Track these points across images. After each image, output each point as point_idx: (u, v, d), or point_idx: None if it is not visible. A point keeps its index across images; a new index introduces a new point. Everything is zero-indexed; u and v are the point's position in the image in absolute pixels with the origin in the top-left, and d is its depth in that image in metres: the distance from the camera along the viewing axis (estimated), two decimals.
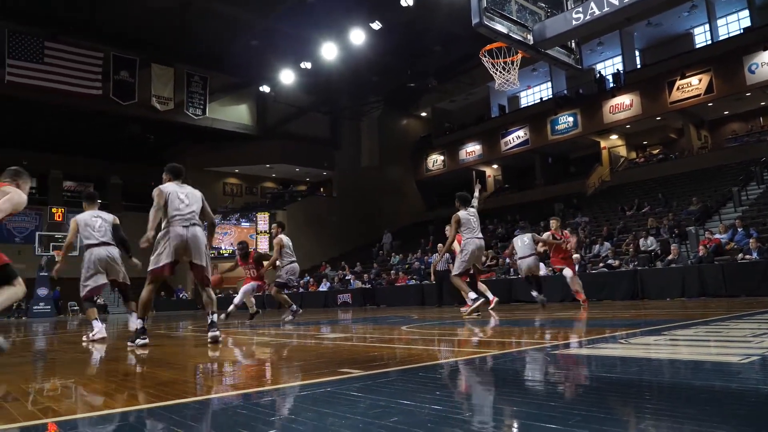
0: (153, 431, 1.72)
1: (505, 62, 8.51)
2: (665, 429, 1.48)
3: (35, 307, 22.13)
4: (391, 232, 28.04)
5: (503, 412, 1.75)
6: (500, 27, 5.63)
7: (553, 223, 9.68)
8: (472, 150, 30.27)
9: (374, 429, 1.49)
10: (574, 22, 5.35)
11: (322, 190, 35.27)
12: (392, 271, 20.48)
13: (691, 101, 21.48)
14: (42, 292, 22.59)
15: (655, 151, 25.60)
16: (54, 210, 26.59)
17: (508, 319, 6.74)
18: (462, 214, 7.39)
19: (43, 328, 11.31)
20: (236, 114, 29.50)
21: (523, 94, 32.03)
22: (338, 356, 3.58)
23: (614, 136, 26.00)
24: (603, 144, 26.04)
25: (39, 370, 3.86)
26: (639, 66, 25.42)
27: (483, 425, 1.55)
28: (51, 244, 23.61)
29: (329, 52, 22.63)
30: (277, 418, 1.75)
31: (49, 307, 22.53)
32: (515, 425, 1.60)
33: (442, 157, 32.33)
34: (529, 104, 30.82)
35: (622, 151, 26.55)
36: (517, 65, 8.76)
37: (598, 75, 26.25)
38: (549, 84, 29.32)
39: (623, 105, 23.48)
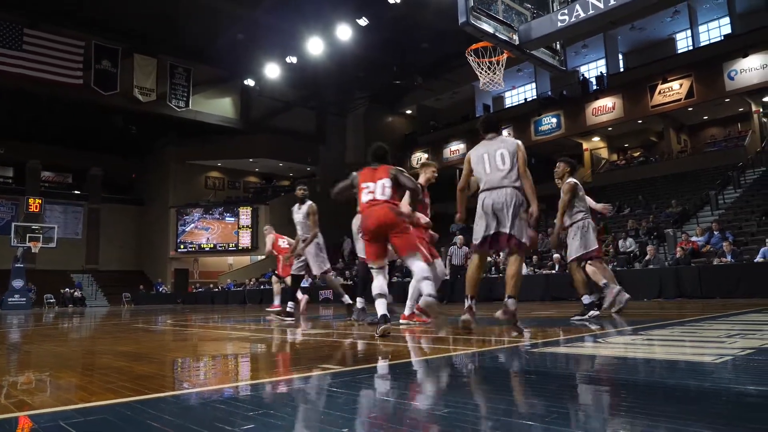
0: (130, 425, 1.71)
1: (490, 62, 8.54)
2: (640, 426, 1.50)
3: (10, 299, 21.72)
4: (351, 238, 27.60)
5: (483, 408, 1.76)
6: (486, 26, 5.66)
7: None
8: (456, 148, 30.36)
9: (355, 424, 1.49)
10: (559, 24, 5.39)
11: None
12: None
13: (672, 105, 21.79)
14: (17, 284, 22.19)
15: (636, 154, 25.93)
16: (31, 201, 26.20)
17: (487, 317, 6.78)
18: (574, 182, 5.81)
19: (18, 320, 11.13)
20: (220, 107, 29.26)
21: (507, 94, 32.22)
22: (318, 353, 3.58)
23: (596, 138, 26.28)
24: (585, 146, 26.31)
25: (12, 363, 3.80)
26: (622, 69, 25.72)
27: (463, 421, 1.56)
28: (27, 235, 23.21)
29: (315, 47, 22.54)
30: (255, 413, 1.75)
31: (24, 299, 22.14)
32: (494, 421, 1.61)
33: (426, 156, 32.37)
34: (514, 104, 31.01)
35: (604, 153, 26.85)
36: (502, 65, 8.80)
37: (582, 77, 26.52)
38: (533, 85, 29.53)
39: (606, 107, 23.73)
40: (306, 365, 2.92)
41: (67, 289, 27.92)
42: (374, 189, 4.66)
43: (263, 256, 30.41)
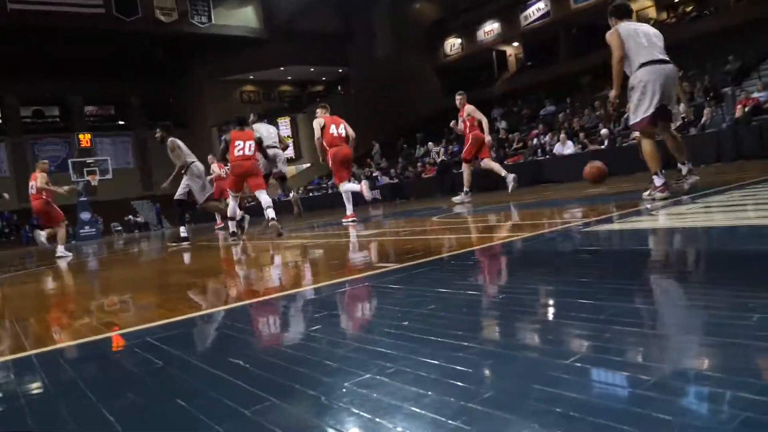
0: (215, 327, 1.85)
1: None
2: (699, 295, 1.51)
3: (81, 231, 23.04)
4: (379, 142, 26.70)
5: (535, 291, 1.81)
6: None
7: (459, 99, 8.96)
8: (490, 29, 28.84)
9: (412, 317, 1.56)
10: None
11: (339, 88, 34.54)
12: (418, 164, 20.43)
13: None
14: (85, 216, 23.40)
15: (689, 9, 23.95)
16: (81, 136, 26.88)
17: (539, 201, 6.77)
18: (624, 27, 4.47)
19: (93, 249, 11.87)
20: (243, 18, 28.49)
21: None
22: (372, 252, 3.69)
23: None
24: (632, 7, 24.45)
25: (97, 287, 4.11)
26: None
27: (516, 305, 1.61)
28: (84, 169, 24.10)
29: None
30: (323, 313, 1.85)
31: (94, 230, 23.43)
32: (547, 302, 1.66)
33: (459, 40, 30.96)
34: None
35: (651, 12, 24.92)
36: None
37: None
38: None
39: None
40: (364, 265, 3.03)
41: (130, 216, 29.34)
42: (244, 147, 6.73)
43: (308, 164, 30.78)
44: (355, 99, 31.35)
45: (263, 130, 8.06)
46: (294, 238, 6.29)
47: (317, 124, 7.67)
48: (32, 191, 9.45)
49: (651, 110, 4.17)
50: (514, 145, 17.59)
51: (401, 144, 26.98)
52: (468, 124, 8.83)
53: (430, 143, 21.20)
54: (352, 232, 6.00)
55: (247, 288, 2.91)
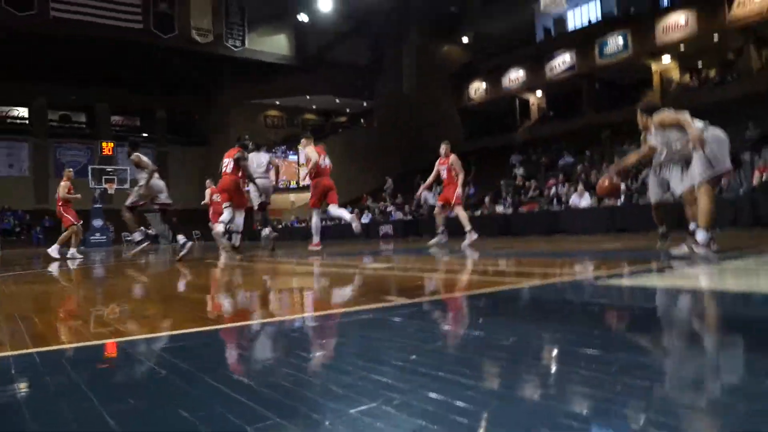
0: (214, 348, 1.85)
1: None
2: (705, 357, 1.49)
3: (92, 238, 23.25)
4: (392, 178, 27.02)
5: (545, 338, 1.79)
6: None
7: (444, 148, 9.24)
8: (515, 77, 29.23)
9: (420, 352, 1.56)
10: None
11: (362, 121, 35.01)
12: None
13: (753, 18, 19.97)
14: (97, 223, 23.64)
15: (711, 74, 24.16)
16: (104, 144, 27.41)
17: (552, 251, 6.75)
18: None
19: (101, 257, 11.95)
20: (275, 44, 29.19)
21: (569, 15, 30.38)
22: (382, 285, 3.69)
23: (667, 59, 24.59)
24: (654, 68, 24.71)
25: (110, 295, 4.13)
26: None
27: (524, 350, 1.60)
28: (103, 177, 24.46)
29: None
30: (328, 340, 1.85)
31: (105, 237, 23.64)
32: (556, 349, 1.64)
33: (484, 85, 31.39)
34: (576, 27, 29.29)
35: (675, 74, 25.16)
36: None
37: None
38: (597, 3, 27.68)
39: (677, 24, 22.06)
40: (373, 297, 3.03)
41: (142, 228, 29.53)
42: (227, 164, 7.70)
43: None
44: (377, 133, 31.74)
45: (254, 160, 8.63)
46: (302, 265, 6.30)
47: (312, 151, 8.47)
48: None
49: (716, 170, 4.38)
50: (531, 193, 17.62)
51: (418, 181, 27.10)
52: (451, 174, 9.11)
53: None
54: (354, 262, 6.00)
55: (255, 309, 2.91)
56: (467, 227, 8.79)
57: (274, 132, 33.36)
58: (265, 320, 2.38)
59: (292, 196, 32.58)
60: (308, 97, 32.56)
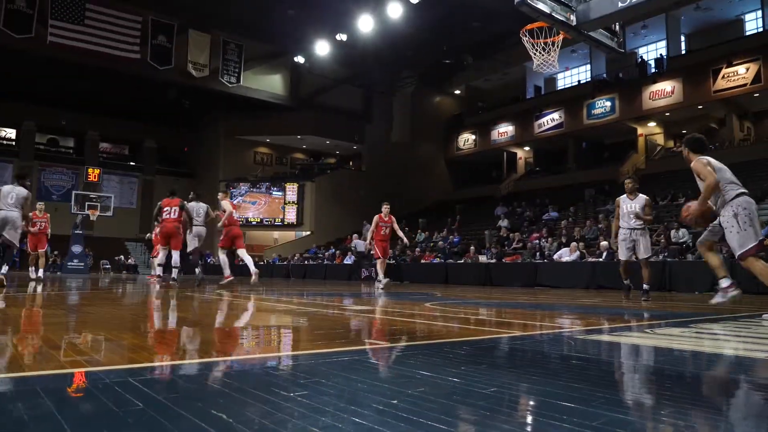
0: (193, 385, 1.81)
1: (545, 42, 8.30)
2: (681, 416, 1.50)
3: (69, 264, 22.85)
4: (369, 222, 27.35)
5: (526, 390, 1.79)
6: (543, 6, 5.52)
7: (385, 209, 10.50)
8: (504, 131, 29.89)
9: (402, 397, 1.54)
10: (620, 4, 5.19)
11: (351, 163, 35.32)
12: (417, 249, 20.53)
13: (737, 90, 20.81)
14: (76, 249, 23.28)
15: None
16: (90, 170, 27.22)
17: (533, 303, 6.76)
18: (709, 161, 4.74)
19: (77, 284, 11.72)
20: (270, 83, 29.59)
21: (560, 75, 31.39)
22: (364, 328, 3.66)
23: (652, 124, 25.38)
24: (640, 131, 25.45)
25: (80, 323, 4.04)
26: (684, 51, 24.64)
27: (505, 400, 1.59)
28: (86, 203, 24.23)
29: (365, 24, 22.44)
30: (309, 381, 1.83)
31: (83, 264, 23.23)
32: (537, 402, 1.64)
33: (473, 137, 32.02)
34: (566, 86, 30.22)
35: (660, 139, 25.92)
36: (557, 46, 8.56)
37: (640, 59, 25.55)
38: (588, 66, 28.67)
39: (664, 91, 22.85)
40: (354, 339, 3.00)
41: (121, 257, 29.12)
42: (171, 211, 9.07)
43: (308, 232, 30.86)
44: (364, 176, 31.99)
45: (194, 209, 9.87)
46: (283, 303, 6.23)
47: (228, 204, 10.05)
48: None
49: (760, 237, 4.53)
50: (514, 245, 17.75)
51: (403, 227, 27.19)
52: (388, 231, 10.56)
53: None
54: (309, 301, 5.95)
55: (231, 344, 2.87)
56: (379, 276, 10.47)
57: (261, 168, 33.47)
58: (239, 357, 2.34)
59: (275, 234, 32.46)
60: (299, 136, 32.86)
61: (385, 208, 10.52)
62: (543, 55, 8.34)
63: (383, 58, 27.41)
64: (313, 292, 9.43)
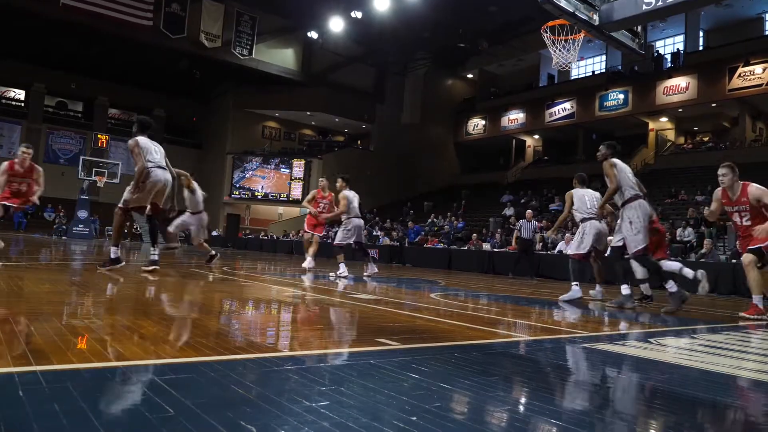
0: (208, 382, 1.86)
1: (566, 40, 8.23)
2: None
3: (75, 228, 22.98)
4: (383, 202, 27.38)
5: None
6: (566, 4, 5.47)
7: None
8: (515, 118, 29.73)
9: (419, 412, 1.59)
10: (644, 7, 5.14)
11: (359, 142, 35.22)
12: (421, 233, 20.58)
13: (752, 90, 20.61)
14: (82, 214, 23.38)
15: (705, 139, 24.77)
16: (99, 136, 27.23)
17: (529, 298, 6.80)
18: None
19: (81, 249, 11.81)
20: (282, 58, 29.41)
21: (574, 65, 31.03)
22: (373, 323, 3.71)
23: (664, 119, 25.19)
24: (651, 126, 25.29)
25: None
26: (701, 48, 24.34)
27: (524, 418, 1.64)
28: (93, 169, 24.27)
29: (382, 2, 22.21)
30: (330, 387, 1.87)
31: (88, 229, 23.36)
32: (562, 413, 1.68)
33: (483, 122, 31.86)
34: (580, 76, 29.93)
35: (671, 135, 25.76)
36: (578, 45, 8.48)
37: (656, 53, 25.26)
38: (603, 57, 28.39)
39: (678, 87, 22.65)
40: (364, 337, 3.05)
41: (127, 224, 29.26)
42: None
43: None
44: (372, 156, 31.94)
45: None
46: (289, 285, 6.29)
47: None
48: None
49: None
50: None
51: (408, 209, 27.26)
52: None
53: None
54: (335, 287, 6.00)
55: (233, 341, 2.92)
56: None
57: (269, 143, 33.42)
58: (246, 356, 2.39)
59: (280, 209, 32.55)
60: (308, 113, 32.74)
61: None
62: (563, 53, 8.27)
63: (398, 38, 27.16)
64: (323, 273, 9.50)
